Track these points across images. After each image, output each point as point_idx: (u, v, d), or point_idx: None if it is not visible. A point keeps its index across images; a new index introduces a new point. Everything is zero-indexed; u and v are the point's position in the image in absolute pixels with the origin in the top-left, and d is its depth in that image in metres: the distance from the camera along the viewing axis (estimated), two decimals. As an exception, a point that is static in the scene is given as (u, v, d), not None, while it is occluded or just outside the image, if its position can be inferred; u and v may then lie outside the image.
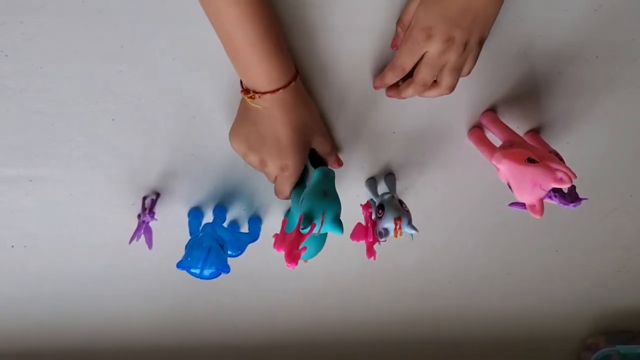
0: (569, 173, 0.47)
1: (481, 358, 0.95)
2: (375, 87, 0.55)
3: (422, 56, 0.49)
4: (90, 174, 0.61)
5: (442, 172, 0.66)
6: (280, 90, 0.48)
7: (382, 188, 0.65)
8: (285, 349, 0.90)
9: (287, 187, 0.55)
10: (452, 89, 0.51)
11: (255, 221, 0.67)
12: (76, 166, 0.60)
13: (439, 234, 0.74)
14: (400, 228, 0.53)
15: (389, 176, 0.65)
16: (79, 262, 0.71)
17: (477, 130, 0.61)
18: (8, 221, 0.65)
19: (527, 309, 0.88)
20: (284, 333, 0.87)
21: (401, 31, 0.51)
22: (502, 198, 0.59)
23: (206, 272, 0.55)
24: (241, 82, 0.50)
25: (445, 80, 0.50)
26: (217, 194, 0.65)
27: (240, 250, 0.61)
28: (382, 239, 0.54)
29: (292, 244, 0.45)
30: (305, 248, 0.46)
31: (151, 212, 0.61)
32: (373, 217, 0.57)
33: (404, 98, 0.54)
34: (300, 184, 0.56)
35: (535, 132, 0.63)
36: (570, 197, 0.50)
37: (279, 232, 0.53)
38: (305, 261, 0.53)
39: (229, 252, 0.59)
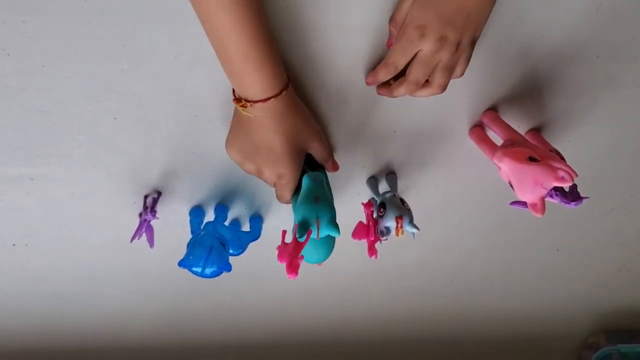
0: (570, 172, 0.47)
1: (482, 357, 0.95)
2: (368, 84, 0.55)
3: (415, 55, 0.49)
4: (92, 173, 0.61)
5: (443, 171, 0.66)
6: (272, 99, 0.48)
7: (383, 187, 0.65)
8: (286, 347, 0.90)
9: (286, 193, 0.55)
10: (443, 88, 0.51)
11: (257, 220, 0.67)
12: (77, 165, 0.60)
13: (440, 233, 0.74)
14: (401, 227, 0.53)
15: (390, 175, 0.65)
16: (80, 261, 0.72)
17: (478, 129, 0.61)
18: (9, 220, 0.65)
19: (528, 307, 0.88)
20: (285, 331, 0.87)
21: (394, 30, 0.51)
22: (503, 197, 0.59)
23: (208, 271, 0.55)
24: (234, 90, 0.50)
25: (438, 79, 0.50)
26: (219, 192, 0.65)
27: (241, 248, 0.61)
28: (384, 238, 0.54)
29: (291, 255, 0.46)
30: (302, 257, 0.47)
31: (153, 210, 0.61)
32: (374, 215, 0.57)
33: (396, 97, 0.54)
34: (298, 191, 0.57)
35: (536, 131, 0.63)
36: (572, 195, 0.50)
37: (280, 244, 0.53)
38: (320, 264, 0.53)
39: (231, 251, 0.59)
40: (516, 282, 0.83)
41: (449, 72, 0.50)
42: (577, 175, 0.47)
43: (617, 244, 0.78)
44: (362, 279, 0.79)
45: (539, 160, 0.49)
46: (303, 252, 0.47)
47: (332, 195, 0.54)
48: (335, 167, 0.60)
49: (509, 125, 0.58)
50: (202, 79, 0.55)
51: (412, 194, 0.67)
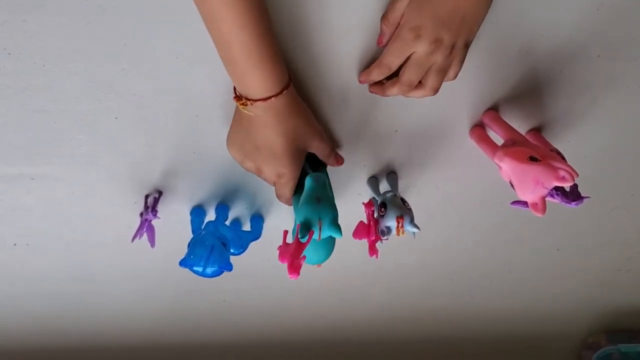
0: (571, 171, 0.47)
1: (482, 357, 0.95)
2: (361, 82, 0.55)
3: (409, 56, 0.49)
4: (92, 173, 0.61)
5: (444, 170, 0.66)
6: (273, 98, 0.48)
7: (384, 186, 0.65)
8: (286, 347, 0.90)
9: (286, 192, 0.55)
10: (436, 90, 0.52)
11: (258, 219, 0.67)
12: (78, 164, 0.60)
13: (441, 233, 0.74)
14: (402, 226, 0.53)
15: (391, 174, 0.65)
16: (81, 261, 0.71)
17: (478, 129, 0.61)
18: (10, 219, 0.65)
19: (528, 307, 0.88)
20: (285, 331, 0.87)
21: (386, 28, 0.51)
22: (503, 197, 0.59)
23: (209, 270, 0.55)
24: (235, 88, 0.50)
25: (431, 81, 0.51)
26: (220, 192, 0.65)
27: (242, 248, 0.61)
28: (384, 238, 0.54)
29: (292, 255, 0.46)
30: (304, 257, 0.47)
31: (154, 210, 0.61)
32: (375, 215, 0.57)
33: (388, 96, 0.54)
34: (299, 190, 0.57)
35: (536, 130, 0.63)
36: (572, 195, 0.50)
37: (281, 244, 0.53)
38: (319, 265, 0.53)
39: (232, 250, 0.59)
40: (516, 281, 0.83)
41: (443, 74, 0.50)
42: (577, 175, 0.47)
43: (617, 243, 0.78)
44: (362, 279, 0.79)
45: (540, 160, 0.49)
46: (304, 253, 0.47)
47: (333, 196, 0.54)
48: (340, 162, 0.60)
49: (509, 125, 0.58)
50: (202, 79, 0.55)
51: (413, 194, 0.67)
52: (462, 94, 0.59)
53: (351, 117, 0.60)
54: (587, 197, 0.50)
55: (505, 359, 0.96)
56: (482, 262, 0.79)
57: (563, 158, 0.53)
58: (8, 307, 0.79)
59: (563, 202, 0.50)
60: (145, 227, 0.61)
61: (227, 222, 0.65)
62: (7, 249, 0.68)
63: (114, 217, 0.65)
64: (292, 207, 0.59)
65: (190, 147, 0.60)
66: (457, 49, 0.49)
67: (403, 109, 0.60)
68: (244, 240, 0.62)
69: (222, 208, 0.65)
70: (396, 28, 0.50)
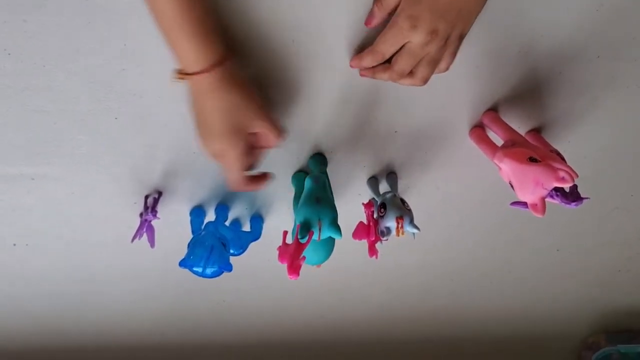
0: (571, 172, 0.47)
1: (482, 357, 0.95)
2: (352, 66, 0.55)
3: (404, 45, 0.49)
4: (92, 173, 0.61)
5: (444, 171, 0.66)
6: (205, 73, 0.47)
7: (383, 187, 0.65)
8: (286, 347, 0.90)
9: (231, 174, 0.52)
10: (425, 81, 0.51)
11: (257, 220, 0.67)
12: (78, 165, 0.60)
13: (441, 233, 0.74)
14: (402, 227, 0.53)
15: (391, 175, 0.65)
16: (81, 261, 0.72)
17: (478, 130, 0.61)
18: (9, 219, 0.65)
19: (528, 307, 0.88)
20: (285, 331, 0.87)
21: (377, 11, 0.50)
22: (503, 197, 0.59)
23: (208, 271, 0.55)
24: None
25: (422, 71, 0.50)
26: (219, 192, 0.65)
27: (242, 248, 0.61)
28: (384, 238, 0.54)
29: (292, 256, 0.46)
30: (304, 258, 0.47)
31: (153, 210, 0.61)
32: (375, 216, 0.57)
33: (376, 79, 0.54)
34: (299, 191, 0.57)
35: (536, 131, 0.63)
36: (572, 196, 0.50)
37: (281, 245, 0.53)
38: (319, 266, 0.53)
39: (231, 251, 0.59)
40: (516, 282, 0.83)
41: (434, 65, 0.50)
42: (577, 176, 0.47)
43: (617, 244, 0.78)
44: (362, 279, 0.79)
45: (540, 161, 0.49)
46: (303, 253, 0.47)
47: (333, 197, 0.54)
48: (281, 136, 0.54)
49: (509, 126, 0.58)
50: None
51: (413, 194, 0.67)
52: (462, 95, 0.59)
53: (351, 117, 0.60)
54: (587, 198, 0.50)
55: (505, 359, 0.96)
56: (482, 263, 0.79)
57: (563, 159, 0.53)
58: (8, 307, 0.79)
59: (563, 203, 0.50)
60: (145, 227, 0.61)
61: (227, 223, 0.65)
62: (7, 249, 0.69)
63: (114, 217, 0.65)
64: (292, 207, 0.59)
65: (190, 147, 0.60)
66: (451, 41, 0.49)
67: (403, 109, 0.60)
68: (243, 240, 0.62)
69: (222, 208, 0.65)
70: (388, 14, 0.49)
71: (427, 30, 0.47)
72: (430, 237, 0.73)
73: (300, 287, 0.79)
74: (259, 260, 0.70)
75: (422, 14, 0.46)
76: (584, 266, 0.81)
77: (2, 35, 0.51)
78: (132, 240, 0.60)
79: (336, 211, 0.51)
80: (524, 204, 0.51)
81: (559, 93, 0.60)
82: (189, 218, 0.65)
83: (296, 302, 0.82)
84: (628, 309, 0.89)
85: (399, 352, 0.93)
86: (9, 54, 0.52)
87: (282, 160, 0.62)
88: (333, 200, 0.53)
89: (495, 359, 0.96)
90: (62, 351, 0.86)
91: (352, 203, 0.65)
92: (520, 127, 0.62)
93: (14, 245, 0.68)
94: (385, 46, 0.49)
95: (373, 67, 0.53)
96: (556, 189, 0.49)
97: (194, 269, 0.55)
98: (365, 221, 0.57)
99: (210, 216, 0.65)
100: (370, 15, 0.51)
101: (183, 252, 0.56)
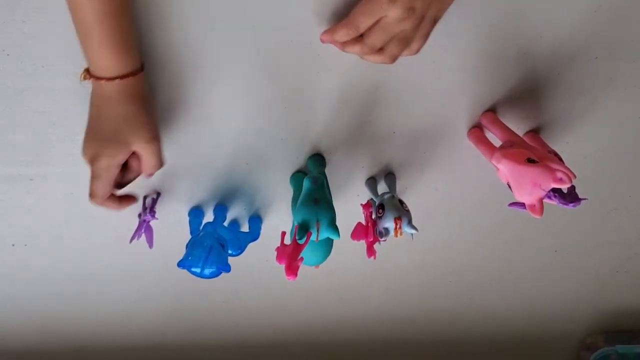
0: (569, 173, 0.47)
1: (480, 357, 0.95)
2: (322, 41, 0.52)
3: (379, 19, 0.47)
4: (92, 173, 0.61)
5: (442, 171, 0.66)
6: (112, 81, 0.48)
7: (382, 188, 0.65)
8: (285, 347, 0.90)
9: (99, 183, 0.51)
10: (394, 59, 0.50)
11: (256, 220, 0.67)
12: (77, 165, 0.60)
13: (439, 234, 0.74)
14: (400, 227, 0.53)
15: (389, 176, 0.65)
16: (80, 261, 0.72)
17: (476, 131, 0.61)
18: (9, 220, 0.66)
19: (527, 308, 0.88)
20: (284, 332, 0.87)
21: None
22: (502, 198, 0.59)
23: (207, 271, 0.55)
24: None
25: (392, 49, 0.49)
26: (218, 193, 0.65)
27: (240, 249, 0.61)
28: (382, 239, 0.54)
29: (290, 257, 0.46)
30: (302, 259, 0.47)
31: (152, 211, 0.62)
32: (373, 216, 0.57)
33: (344, 51, 0.51)
34: (297, 192, 0.57)
35: (534, 132, 0.63)
36: (570, 197, 0.50)
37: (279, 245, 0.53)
38: (317, 266, 0.53)
39: (230, 251, 0.59)
40: (515, 282, 0.83)
41: (406, 45, 0.49)
42: (575, 177, 0.47)
43: (615, 244, 0.78)
44: (361, 280, 0.79)
45: (538, 162, 0.49)
46: (301, 254, 0.47)
47: (331, 197, 0.55)
48: (158, 167, 0.55)
49: (507, 127, 0.58)
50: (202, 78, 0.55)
51: (411, 195, 0.67)
52: (461, 95, 0.59)
53: (349, 118, 0.60)
54: (585, 199, 0.50)
55: (503, 359, 0.96)
56: (481, 263, 0.79)
57: (561, 159, 0.53)
58: (8, 307, 0.79)
59: (560, 204, 0.50)
60: (144, 228, 0.61)
61: (226, 223, 0.65)
62: (7, 249, 0.69)
63: (112, 217, 0.65)
64: (291, 208, 0.59)
65: (188, 148, 0.60)
66: (426, 21, 0.48)
67: (401, 110, 0.60)
68: (242, 241, 0.62)
69: (221, 209, 0.65)
70: None
71: (405, 7, 0.46)
72: (429, 238, 0.74)
73: (299, 287, 0.79)
74: (257, 261, 0.70)
75: None
76: (582, 266, 0.81)
77: (1, 36, 0.51)
78: (131, 241, 0.60)
79: (334, 212, 0.51)
80: (522, 205, 0.51)
81: (558, 94, 0.60)
82: (187, 219, 0.65)
83: (295, 303, 0.82)
84: (626, 309, 0.89)
85: (398, 352, 0.93)
86: (8, 55, 0.52)
87: (280, 160, 0.63)
88: (331, 201, 0.53)
89: (494, 359, 0.96)
90: (62, 351, 0.86)
91: (350, 204, 0.65)
92: (519, 128, 0.62)
93: (13, 245, 0.69)
94: (362, 19, 0.48)
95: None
96: (554, 190, 0.49)
97: (192, 269, 0.55)
98: (363, 222, 0.57)
99: (209, 217, 0.65)
100: None
101: (181, 252, 0.56)
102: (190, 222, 0.64)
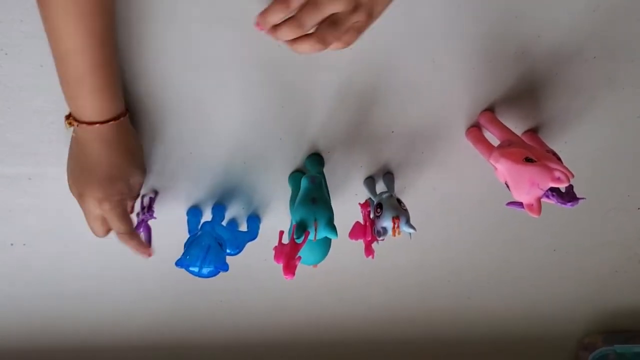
0: (567, 172, 0.47)
1: (479, 357, 0.95)
2: (257, 24, 0.44)
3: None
4: (90, 173, 0.61)
5: (441, 171, 0.66)
6: (100, 125, 0.49)
7: (380, 187, 0.65)
8: (285, 347, 0.90)
9: (118, 223, 0.54)
10: (322, 43, 0.44)
11: (254, 220, 0.67)
12: (76, 165, 0.60)
13: (438, 233, 0.74)
14: (398, 227, 0.53)
15: (388, 175, 0.65)
16: (78, 261, 0.72)
17: (474, 130, 0.61)
18: (7, 219, 0.66)
19: (525, 308, 0.88)
20: (283, 331, 0.87)
21: None
22: (500, 197, 0.59)
23: (205, 271, 0.55)
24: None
25: (322, 31, 0.43)
26: (216, 192, 0.65)
27: (239, 248, 0.61)
28: (381, 238, 0.54)
29: (288, 256, 0.46)
30: (300, 258, 0.47)
31: (150, 210, 0.62)
32: (371, 216, 0.57)
33: (276, 38, 0.44)
34: (296, 191, 0.57)
35: (533, 131, 0.63)
36: (568, 196, 0.50)
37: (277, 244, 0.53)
38: (315, 266, 0.53)
39: (228, 251, 0.59)
40: (514, 282, 0.83)
41: (337, 30, 0.43)
42: (573, 176, 0.47)
43: (614, 244, 0.78)
44: (360, 279, 0.79)
45: (536, 161, 0.49)
46: (299, 253, 0.47)
47: (330, 197, 0.55)
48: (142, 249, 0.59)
49: (505, 126, 0.58)
50: (201, 78, 0.55)
51: (410, 194, 0.67)
52: (459, 95, 0.59)
53: (348, 117, 0.60)
54: (583, 198, 0.50)
55: (502, 358, 0.96)
56: (479, 263, 0.79)
57: (559, 159, 0.53)
58: (8, 307, 0.79)
59: (558, 203, 0.50)
60: (142, 227, 0.61)
61: (224, 223, 0.65)
62: (5, 249, 0.69)
63: (111, 217, 0.65)
64: (289, 207, 0.59)
65: (186, 147, 0.60)
66: (361, 11, 0.43)
67: (400, 109, 0.60)
68: (240, 240, 0.62)
69: (219, 208, 0.65)
70: None
71: None
72: (427, 237, 0.74)
73: (298, 287, 0.79)
74: (255, 261, 0.70)
75: None
76: (581, 266, 0.81)
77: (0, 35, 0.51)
78: (130, 240, 0.60)
79: (332, 211, 0.51)
80: (520, 204, 0.51)
81: (556, 93, 0.60)
82: (185, 218, 0.65)
83: (294, 303, 0.82)
84: (625, 309, 0.89)
85: (397, 352, 0.93)
86: (6, 54, 0.52)
87: (279, 160, 0.63)
88: (329, 201, 0.53)
89: (492, 358, 0.96)
90: (62, 351, 0.86)
91: (348, 203, 0.65)
92: (517, 128, 0.62)
93: (11, 245, 0.69)
94: None
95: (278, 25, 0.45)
96: (552, 189, 0.49)
97: (190, 268, 0.55)
98: (361, 221, 0.57)
99: (207, 216, 0.65)
100: None
101: (180, 252, 0.56)
102: (188, 221, 0.64)
